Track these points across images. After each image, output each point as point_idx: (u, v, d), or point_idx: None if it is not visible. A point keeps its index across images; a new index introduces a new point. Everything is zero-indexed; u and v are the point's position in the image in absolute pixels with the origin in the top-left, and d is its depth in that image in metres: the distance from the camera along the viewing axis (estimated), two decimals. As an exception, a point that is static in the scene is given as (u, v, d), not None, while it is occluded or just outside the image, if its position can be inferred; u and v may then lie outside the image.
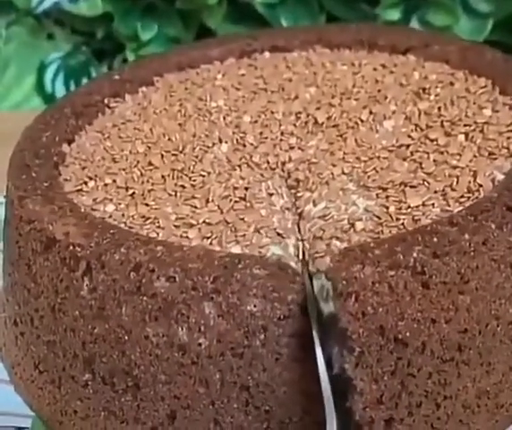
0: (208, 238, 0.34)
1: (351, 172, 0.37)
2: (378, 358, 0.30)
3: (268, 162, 0.40)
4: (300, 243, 0.35)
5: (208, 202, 0.36)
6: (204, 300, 0.31)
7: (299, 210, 0.36)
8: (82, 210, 0.37)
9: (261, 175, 0.39)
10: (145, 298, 0.32)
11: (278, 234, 0.34)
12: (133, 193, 0.38)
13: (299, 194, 0.37)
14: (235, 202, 0.36)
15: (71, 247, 0.34)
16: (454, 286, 0.31)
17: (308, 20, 0.73)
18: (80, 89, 0.54)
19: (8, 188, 0.39)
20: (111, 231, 0.34)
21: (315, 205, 0.36)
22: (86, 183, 0.39)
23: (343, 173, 0.37)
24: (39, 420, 0.38)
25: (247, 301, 0.30)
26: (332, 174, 0.38)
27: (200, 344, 0.31)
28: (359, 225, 0.33)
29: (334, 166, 0.38)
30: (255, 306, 0.30)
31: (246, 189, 0.37)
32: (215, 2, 0.75)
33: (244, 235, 0.34)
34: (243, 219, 0.35)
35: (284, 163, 0.40)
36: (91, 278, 0.33)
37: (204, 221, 0.35)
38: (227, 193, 0.37)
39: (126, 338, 0.32)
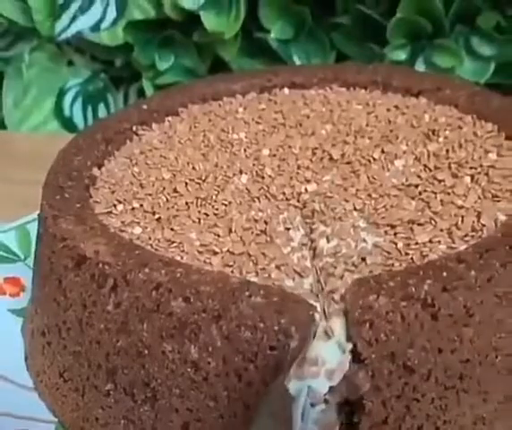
0: (229, 266, 0.36)
1: (362, 208, 0.39)
2: (387, 383, 0.32)
3: (284, 193, 0.41)
4: (316, 280, 0.36)
5: (230, 231, 0.38)
6: (212, 322, 0.32)
7: (313, 246, 0.38)
8: (111, 230, 0.39)
9: (277, 206, 0.41)
10: (163, 316, 0.33)
11: (296, 271, 0.36)
12: (159, 217, 0.40)
13: (314, 226, 0.39)
14: (257, 235, 0.38)
15: (100, 265, 0.36)
16: (460, 318, 0.32)
17: (319, 57, 0.75)
18: (110, 116, 0.56)
19: (42, 207, 0.42)
20: (136, 252, 0.36)
21: (328, 241, 0.37)
22: (115, 206, 0.41)
23: (355, 209, 0.39)
24: (62, 426, 0.39)
25: (243, 329, 0.32)
26: (345, 209, 0.39)
27: (209, 362, 0.33)
28: (369, 259, 0.35)
29: (346, 201, 0.40)
30: (251, 334, 0.31)
31: (266, 223, 0.39)
32: (231, 36, 0.77)
33: (264, 268, 0.36)
34: (263, 253, 0.37)
35: (299, 194, 0.41)
36: (117, 294, 0.35)
37: (228, 250, 0.37)
38: (249, 226, 0.39)
39: (146, 352, 0.34)
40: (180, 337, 0.33)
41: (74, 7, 0.81)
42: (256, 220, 0.39)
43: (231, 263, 0.36)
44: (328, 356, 0.31)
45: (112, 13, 0.81)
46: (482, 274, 0.33)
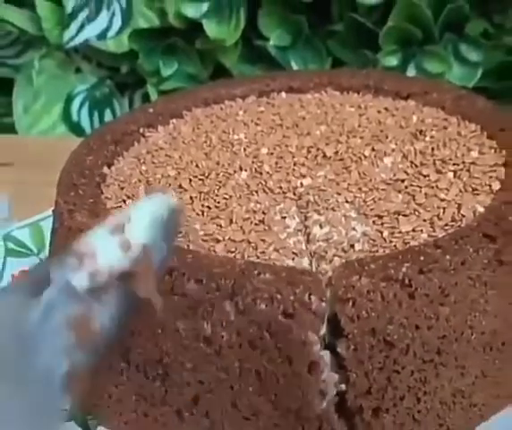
0: (232, 252, 0.39)
1: (353, 201, 0.42)
2: (369, 356, 0.35)
3: (281, 187, 0.45)
4: (310, 261, 0.39)
5: (231, 222, 0.42)
6: (225, 300, 0.35)
7: (307, 231, 0.41)
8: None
9: (274, 199, 0.44)
10: (176, 297, 0.36)
11: (294, 253, 0.39)
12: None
13: (308, 215, 0.42)
14: (256, 224, 0.41)
15: None
16: (436, 298, 0.36)
17: (316, 63, 0.78)
18: (118, 119, 0.59)
19: (57, 203, 0.45)
20: None
21: (321, 228, 0.41)
22: (125, 201, 0.44)
23: (346, 201, 0.42)
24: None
25: (259, 302, 0.35)
26: (337, 201, 0.43)
27: (222, 336, 0.36)
28: (357, 246, 0.38)
29: (339, 194, 0.43)
30: (266, 306, 0.35)
31: (264, 213, 0.42)
32: (231, 43, 0.80)
33: (264, 252, 0.39)
34: (262, 239, 0.40)
35: (295, 188, 0.45)
36: None
37: (229, 238, 0.40)
38: (248, 216, 0.42)
39: (159, 331, 0.37)
40: (193, 315, 0.36)
41: (82, 16, 0.84)
42: (255, 211, 0.42)
43: (233, 249, 0.39)
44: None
45: (118, 22, 0.85)
46: (456, 258, 0.36)
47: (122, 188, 0.46)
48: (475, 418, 0.39)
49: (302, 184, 0.45)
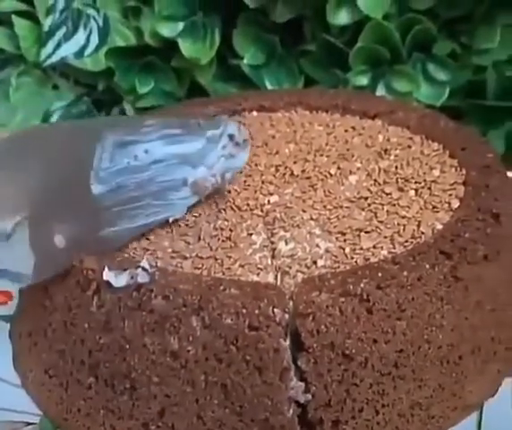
0: (199, 269, 0.40)
1: (318, 218, 0.44)
2: (328, 369, 0.36)
3: (248, 205, 0.46)
4: (276, 276, 0.41)
5: (199, 239, 0.43)
6: (192, 315, 0.37)
7: (273, 247, 0.42)
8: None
9: (242, 216, 0.45)
10: (144, 313, 0.38)
11: (259, 268, 0.40)
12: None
13: (275, 231, 0.43)
14: (222, 241, 0.43)
15: (84, 272, 0.40)
16: (393, 313, 0.37)
17: (289, 81, 0.79)
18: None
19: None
20: (118, 259, 0.40)
21: (286, 244, 0.42)
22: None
23: (311, 218, 0.44)
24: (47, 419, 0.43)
25: (224, 316, 0.36)
26: (303, 218, 0.44)
27: (188, 351, 0.37)
28: (320, 262, 0.40)
29: (304, 211, 0.44)
30: (231, 320, 0.36)
31: (231, 230, 0.43)
32: (206, 62, 0.81)
33: (230, 268, 0.40)
34: (229, 256, 0.41)
35: (263, 205, 0.46)
36: (100, 296, 0.39)
37: (196, 255, 0.41)
38: (215, 233, 0.43)
39: (127, 346, 0.38)
40: (160, 330, 0.37)
41: (59, 35, 0.85)
42: (222, 229, 0.44)
43: (200, 266, 0.40)
44: None
45: (95, 40, 0.86)
46: (412, 274, 0.37)
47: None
48: (433, 430, 0.41)
49: (269, 201, 0.46)
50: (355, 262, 0.39)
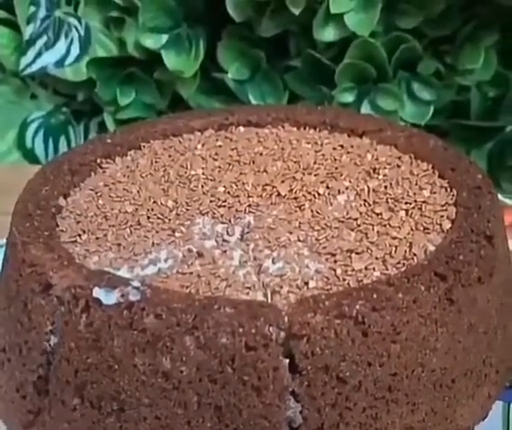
0: (187, 287, 0.39)
1: (305, 239, 0.43)
2: (322, 392, 0.36)
3: (234, 227, 0.45)
4: (265, 294, 0.39)
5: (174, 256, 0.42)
6: (186, 335, 0.36)
7: (258, 263, 0.41)
8: (77, 260, 0.41)
9: (224, 240, 0.44)
10: (135, 333, 0.36)
11: (246, 287, 0.39)
12: (122, 246, 0.43)
13: (259, 248, 0.42)
14: (208, 263, 0.42)
15: (72, 289, 0.38)
16: (388, 335, 0.36)
17: (273, 97, 0.79)
18: (76, 148, 0.59)
19: (12, 233, 0.44)
20: (107, 276, 0.39)
21: (274, 263, 0.41)
22: (80, 235, 0.44)
23: (298, 240, 0.43)
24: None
25: (220, 335, 0.35)
26: (289, 239, 0.43)
27: (181, 371, 0.36)
28: (311, 283, 0.39)
29: (290, 233, 0.43)
30: (227, 339, 0.35)
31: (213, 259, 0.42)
32: (190, 75, 0.81)
33: (217, 288, 0.39)
34: (213, 273, 0.40)
35: (243, 230, 0.45)
36: (89, 314, 0.38)
37: (178, 272, 0.40)
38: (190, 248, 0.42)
39: (116, 366, 0.37)
40: (152, 350, 0.36)
41: (39, 44, 0.84)
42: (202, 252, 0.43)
43: (187, 284, 0.39)
44: None
45: (76, 50, 0.85)
46: (407, 296, 0.37)
47: (78, 222, 0.45)
48: (426, 455, 0.40)
49: (250, 223, 0.45)
50: (348, 283, 0.39)
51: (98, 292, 0.37)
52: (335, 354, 0.35)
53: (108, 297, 0.37)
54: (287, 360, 0.35)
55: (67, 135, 0.93)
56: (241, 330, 0.35)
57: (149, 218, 0.46)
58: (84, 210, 0.47)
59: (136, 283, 0.37)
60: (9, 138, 0.91)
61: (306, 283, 0.39)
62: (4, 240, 0.47)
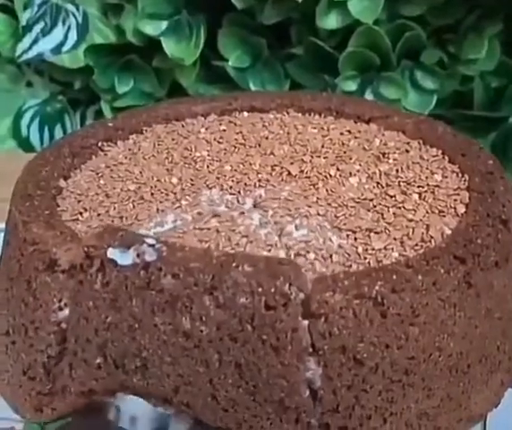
0: (206, 242, 0.38)
1: (325, 214, 0.42)
2: (338, 373, 0.35)
3: (240, 192, 0.44)
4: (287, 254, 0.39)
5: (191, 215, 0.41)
6: (204, 294, 0.35)
7: (280, 227, 0.40)
8: (80, 236, 0.40)
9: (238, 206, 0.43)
10: (153, 293, 0.36)
11: (268, 244, 0.39)
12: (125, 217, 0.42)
13: (280, 215, 0.41)
14: (217, 216, 0.41)
15: (85, 249, 0.37)
16: (406, 318, 0.35)
17: (274, 85, 0.78)
18: (77, 132, 0.58)
19: (11, 214, 0.43)
20: (120, 234, 0.38)
21: (297, 229, 0.40)
22: (81, 213, 0.43)
23: (318, 214, 0.42)
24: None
25: (239, 295, 0.34)
26: (309, 212, 0.42)
27: (201, 331, 0.35)
28: (335, 257, 0.38)
29: (309, 206, 0.43)
30: (246, 299, 0.34)
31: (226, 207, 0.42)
32: (190, 63, 0.79)
33: (238, 244, 0.38)
34: (233, 230, 0.40)
35: (255, 200, 0.44)
36: (104, 274, 0.37)
37: (199, 228, 0.39)
38: (208, 208, 0.42)
39: (137, 326, 0.36)
40: (171, 310, 0.35)
41: (36, 30, 0.82)
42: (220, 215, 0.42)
43: (205, 240, 0.39)
44: None
45: (73, 37, 0.83)
46: (427, 278, 0.36)
47: (79, 201, 0.44)
48: (440, 442, 0.39)
49: (266, 193, 0.44)
50: (368, 262, 0.38)
51: (112, 252, 0.36)
52: (352, 335, 0.34)
53: (124, 258, 0.36)
54: (307, 321, 0.34)
55: (63, 124, 0.91)
56: (260, 289, 0.34)
57: (152, 194, 0.45)
58: (85, 190, 0.45)
59: (151, 240, 0.36)
60: (4, 126, 0.89)
61: (330, 256, 0.38)
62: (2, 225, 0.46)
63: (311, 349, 0.35)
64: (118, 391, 0.38)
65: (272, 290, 0.34)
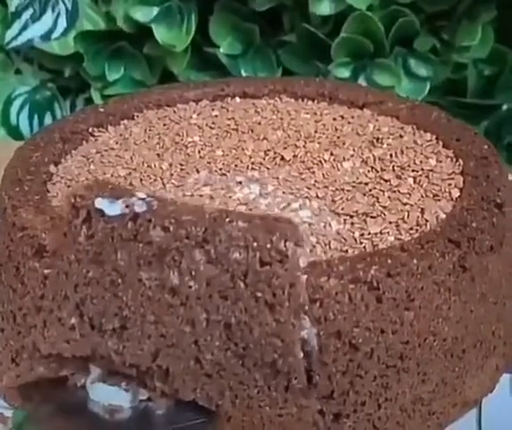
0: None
1: (324, 196, 0.42)
2: (333, 359, 0.35)
3: (235, 176, 0.44)
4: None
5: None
6: (195, 248, 0.34)
7: (284, 202, 0.40)
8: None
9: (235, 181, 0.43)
10: (141, 245, 0.34)
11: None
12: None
13: (282, 191, 0.41)
14: (221, 188, 0.41)
15: (72, 199, 0.36)
16: (402, 302, 0.35)
17: (266, 72, 0.77)
18: (68, 117, 0.57)
19: (1, 198, 0.42)
20: (110, 186, 0.37)
21: (301, 208, 0.40)
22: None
23: (317, 196, 0.42)
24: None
25: (232, 250, 0.33)
26: (309, 193, 0.42)
27: (190, 286, 0.34)
28: (333, 244, 0.38)
29: (309, 188, 0.42)
30: (240, 254, 0.33)
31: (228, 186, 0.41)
32: (181, 50, 0.78)
33: (234, 208, 0.38)
34: (229, 196, 0.39)
35: (253, 177, 0.44)
36: (90, 226, 0.35)
37: (190, 195, 0.40)
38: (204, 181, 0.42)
39: (120, 281, 0.35)
40: (158, 264, 0.34)
41: (25, 16, 0.81)
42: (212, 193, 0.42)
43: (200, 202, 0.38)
44: None
45: (63, 24, 0.82)
46: (422, 262, 0.36)
47: (69, 186, 0.44)
48: (433, 427, 0.39)
49: (263, 174, 0.44)
50: (364, 247, 0.37)
51: (100, 202, 0.35)
52: (348, 319, 0.34)
53: (112, 208, 0.35)
54: (305, 276, 0.34)
55: (53, 112, 0.90)
56: (255, 244, 0.33)
57: (141, 180, 0.44)
58: (75, 176, 0.45)
59: (142, 194, 0.35)
60: (-7, 114, 0.88)
61: (329, 242, 0.38)
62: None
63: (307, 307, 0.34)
64: (88, 358, 0.36)
65: (268, 246, 0.33)
